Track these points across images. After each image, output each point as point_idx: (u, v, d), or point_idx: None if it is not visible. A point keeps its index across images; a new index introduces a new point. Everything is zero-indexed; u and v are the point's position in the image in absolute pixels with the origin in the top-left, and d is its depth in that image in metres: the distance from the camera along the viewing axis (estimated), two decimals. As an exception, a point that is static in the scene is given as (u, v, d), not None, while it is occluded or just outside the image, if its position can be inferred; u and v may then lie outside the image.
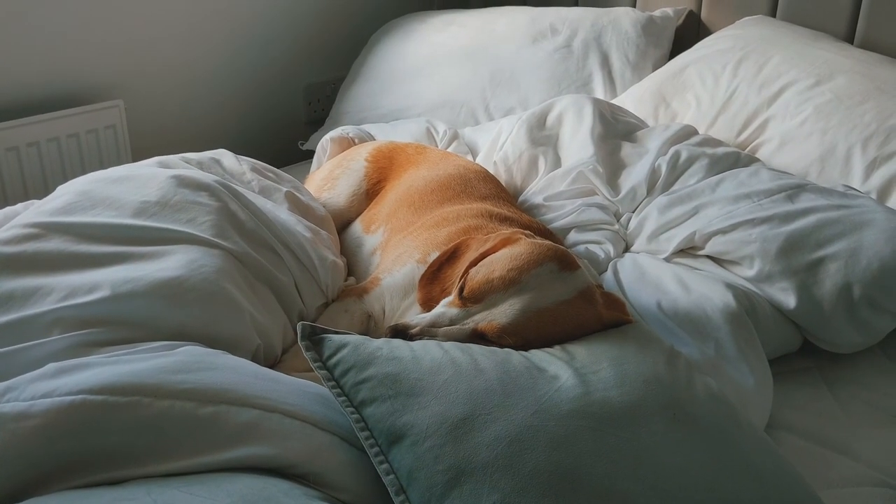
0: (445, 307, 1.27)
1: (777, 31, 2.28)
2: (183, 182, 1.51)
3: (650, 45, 2.49)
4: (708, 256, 1.65)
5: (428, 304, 1.35)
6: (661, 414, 1.08)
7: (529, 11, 2.67)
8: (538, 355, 1.15)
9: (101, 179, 1.53)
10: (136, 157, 2.47)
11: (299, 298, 1.50)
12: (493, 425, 1.00)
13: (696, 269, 1.62)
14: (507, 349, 1.16)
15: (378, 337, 1.20)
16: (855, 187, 1.77)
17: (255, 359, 1.35)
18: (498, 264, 1.25)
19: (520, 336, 1.20)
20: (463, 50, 2.57)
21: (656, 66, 2.47)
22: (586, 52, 2.48)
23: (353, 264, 1.77)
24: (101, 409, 1.03)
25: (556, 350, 1.17)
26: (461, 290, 1.25)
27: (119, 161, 2.42)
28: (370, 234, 1.79)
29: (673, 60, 2.36)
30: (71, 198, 1.46)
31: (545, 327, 1.21)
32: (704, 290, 1.50)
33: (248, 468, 1.04)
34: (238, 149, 1.92)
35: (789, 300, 1.52)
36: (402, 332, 1.22)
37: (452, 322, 1.23)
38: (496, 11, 2.73)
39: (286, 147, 2.84)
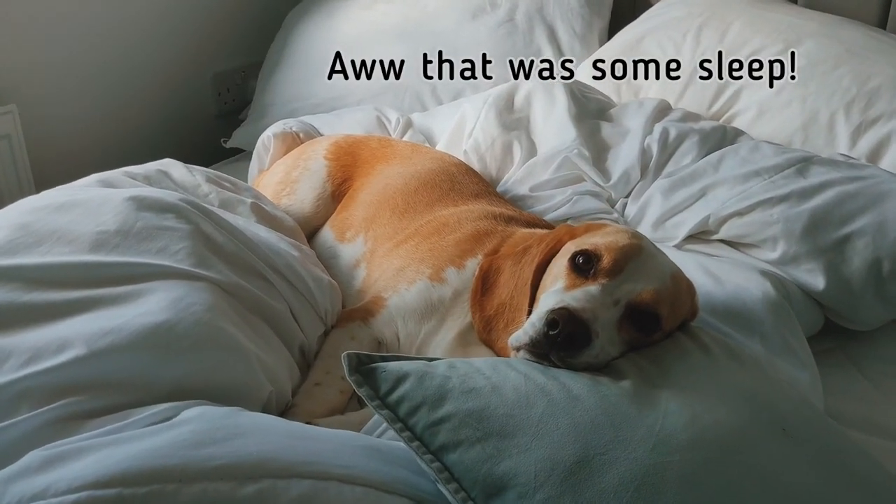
0: (571, 291, 1.08)
1: (726, -4, 2.20)
2: (143, 204, 1.27)
3: (594, 14, 2.37)
4: (721, 240, 1.55)
5: (487, 327, 1.24)
6: (771, 430, 0.98)
7: (460, -16, 2.49)
8: (620, 370, 1.02)
9: (41, 208, 1.26)
10: (36, 168, 2.16)
11: (299, 329, 1.29)
12: (614, 467, 0.86)
13: (713, 255, 1.52)
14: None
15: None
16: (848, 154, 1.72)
17: (267, 408, 1.15)
18: (610, 238, 1.14)
19: (667, 304, 1.10)
20: (397, 28, 2.36)
21: (601, 38, 2.36)
22: (531, 26, 2.33)
23: (327, 277, 1.57)
24: (116, 508, 0.83)
25: (636, 368, 1.04)
26: (587, 265, 1.10)
27: (18, 176, 2.09)
28: (346, 242, 1.59)
29: (624, 30, 2.25)
30: (8, 233, 1.20)
31: (677, 296, 1.14)
32: (738, 281, 1.40)
33: (308, 555, 0.86)
34: (147, 150, 1.69)
35: (817, 281, 1.44)
36: (572, 320, 1.02)
37: (600, 301, 1.07)
38: (424, -15, 2.54)
39: (199, 145, 2.57)
